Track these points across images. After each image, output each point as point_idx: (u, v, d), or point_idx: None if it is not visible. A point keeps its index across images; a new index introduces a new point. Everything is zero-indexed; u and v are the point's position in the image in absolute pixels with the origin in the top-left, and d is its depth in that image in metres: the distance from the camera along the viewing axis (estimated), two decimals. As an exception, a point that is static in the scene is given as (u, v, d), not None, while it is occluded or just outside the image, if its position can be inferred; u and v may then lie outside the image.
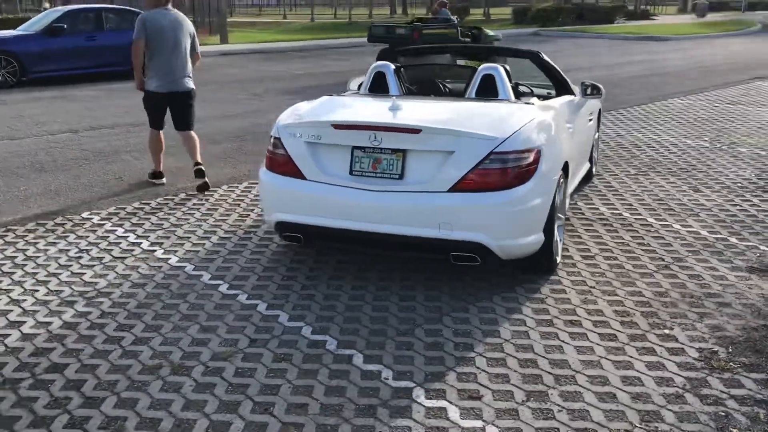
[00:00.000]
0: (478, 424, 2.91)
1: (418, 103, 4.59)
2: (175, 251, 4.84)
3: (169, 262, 4.65)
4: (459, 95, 5.07)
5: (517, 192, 3.85)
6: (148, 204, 5.92)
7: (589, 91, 5.52)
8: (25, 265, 4.58)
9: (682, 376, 3.27)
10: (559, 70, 5.49)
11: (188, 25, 6.58)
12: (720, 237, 5.11)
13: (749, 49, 22.10)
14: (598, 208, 5.77)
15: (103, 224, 5.40)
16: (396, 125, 3.95)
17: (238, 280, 4.35)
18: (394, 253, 4.32)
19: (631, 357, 3.44)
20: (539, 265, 4.30)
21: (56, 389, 3.15)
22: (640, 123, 9.57)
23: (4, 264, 4.59)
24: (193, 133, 6.61)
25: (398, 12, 47.54)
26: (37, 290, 4.20)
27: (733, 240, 5.05)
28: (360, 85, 5.27)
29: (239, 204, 5.93)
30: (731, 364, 3.37)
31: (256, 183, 6.55)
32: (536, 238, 4.06)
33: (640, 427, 2.88)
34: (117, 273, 4.46)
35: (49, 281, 4.33)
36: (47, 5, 28.30)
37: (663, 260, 4.66)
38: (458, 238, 3.85)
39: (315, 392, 3.13)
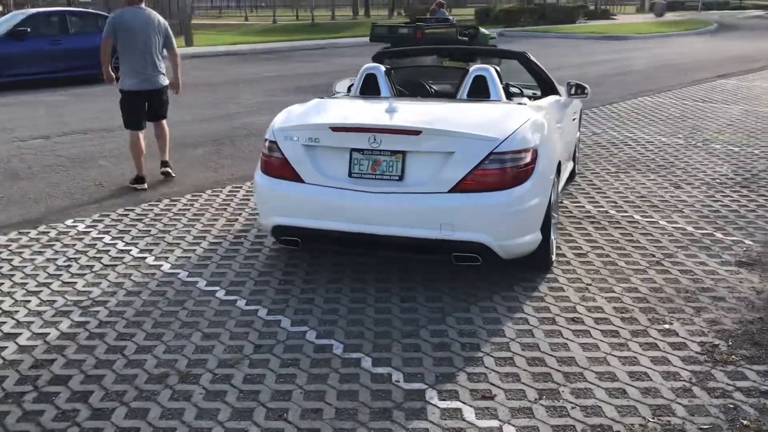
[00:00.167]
0: (495, 423, 2.93)
1: (415, 105, 4.60)
2: (167, 257, 4.77)
3: (162, 268, 4.58)
4: (449, 96, 5.09)
5: (516, 192, 3.88)
6: (132, 210, 5.83)
7: (574, 90, 5.59)
8: (12, 275, 4.47)
9: (687, 370, 3.32)
10: (545, 70, 5.55)
11: (161, 24, 6.62)
12: (706, 232, 5.21)
13: (709, 48, 22.60)
14: (584, 207, 5.84)
15: (89, 232, 5.29)
16: (396, 127, 3.95)
17: (234, 285, 4.30)
18: (394, 254, 4.32)
19: (636, 352, 3.48)
20: (537, 263, 4.34)
21: (62, 402, 3.08)
22: (614, 121, 9.72)
23: (-10, 274, 4.48)
24: (165, 123, 6.82)
25: (360, 13, 47.48)
26: (29, 301, 4.10)
27: (719, 235, 5.15)
28: (349, 87, 5.25)
29: (225, 208, 5.87)
30: (733, 357, 3.44)
31: (240, 187, 6.52)
32: (534, 237, 4.09)
33: (654, 422, 2.92)
34: (110, 281, 4.38)
35: (41, 291, 4.23)
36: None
37: (654, 256, 4.74)
38: (460, 238, 3.87)
39: (327, 397, 3.12)
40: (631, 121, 9.71)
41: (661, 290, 4.21)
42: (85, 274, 4.48)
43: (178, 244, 5.03)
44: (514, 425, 2.91)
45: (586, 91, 5.59)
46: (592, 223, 5.43)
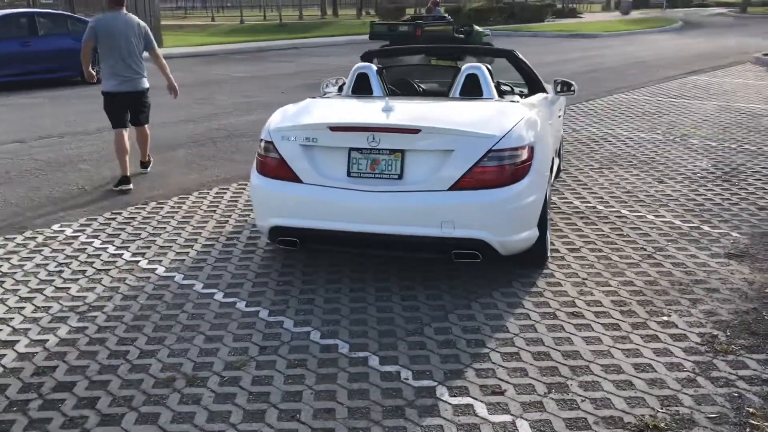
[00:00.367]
0: (507, 418, 2.95)
1: (411, 104, 4.61)
2: (160, 261, 4.71)
3: (156, 272, 4.53)
4: (440, 95, 5.11)
5: (515, 188, 3.91)
6: (119, 214, 5.75)
7: (560, 88, 5.65)
8: (3, 281, 4.39)
9: (690, 360, 3.38)
10: (532, 68, 5.60)
11: (141, 27, 6.77)
12: (693, 225, 5.31)
13: (676, 45, 22.98)
14: (572, 202, 5.91)
15: (77, 236, 5.21)
16: (395, 126, 3.95)
17: (232, 287, 4.27)
18: (394, 253, 4.32)
19: (638, 345, 3.54)
20: (534, 259, 4.38)
21: (68, 408, 3.03)
22: (592, 118, 9.84)
23: (-20, 281, 4.39)
24: (147, 128, 6.99)
25: (328, 13, 47.31)
26: (23, 307, 4.03)
27: (706, 228, 5.25)
28: (340, 87, 5.24)
29: (214, 210, 5.82)
30: (732, 346, 3.51)
31: (226, 188, 6.47)
32: (532, 233, 4.13)
33: (663, 412, 2.97)
34: (104, 286, 4.32)
35: (34, 297, 4.16)
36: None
37: (645, 250, 4.81)
38: (460, 235, 3.88)
39: (338, 396, 3.11)
40: (608, 118, 9.84)
41: (656, 283, 4.28)
42: (78, 279, 4.42)
43: (170, 246, 4.98)
44: (526, 419, 2.94)
45: (572, 89, 5.65)
46: (582, 218, 5.49)
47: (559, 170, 6.61)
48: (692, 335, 3.63)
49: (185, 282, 4.36)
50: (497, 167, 3.89)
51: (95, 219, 5.62)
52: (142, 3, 24.63)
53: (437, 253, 4.10)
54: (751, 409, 2.98)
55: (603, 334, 3.65)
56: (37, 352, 3.51)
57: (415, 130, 3.90)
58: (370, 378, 3.26)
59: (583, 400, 3.07)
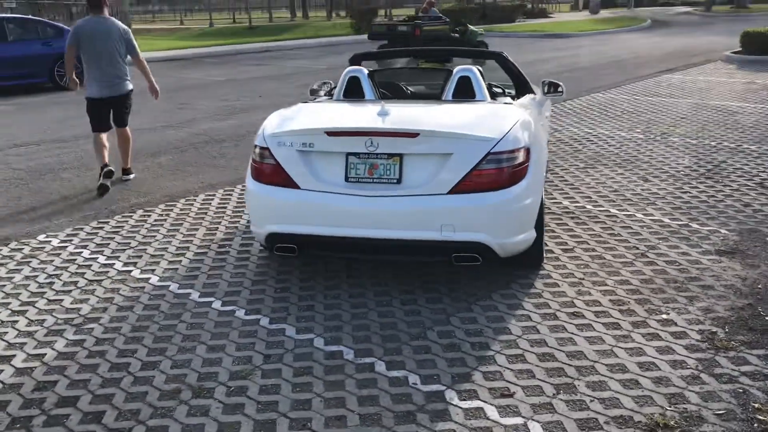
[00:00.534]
0: (519, 420, 2.96)
1: (407, 107, 4.60)
2: (153, 270, 4.65)
3: (150, 282, 4.46)
4: (431, 98, 5.11)
5: (514, 191, 3.92)
6: (106, 223, 5.66)
7: (548, 89, 5.69)
8: (-7, 295, 4.30)
9: (692, 358, 3.42)
10: (520, 69, 5.63)
11: (122, 32, 6.85)
12: (682, 223, 5.37)
13: (647, 44, 23.27)
14: (561, 202, 5.95)
15: (65, 246, 5.12)
16: (393, 130, 3.94)
17: (229, 295, 4.23)
18: (393, 258, 4.31)
19: (640, 343, 3.57)
20: (531, 260, 4.40)
21: (74, 424, 2.97)
22: (572, 118, 9.92)
23: (-31, 295, 4.29)
24: (128, 131, 7.07)
25: (298, 15, 47.10)
26: (16, 321, 3.95)
27: (695, 225, 5.32)
28: (330, 91, 5.21)
29: (203, 217, 5.76)
30: (732, 342, 3.56)
31: (213, 195, 6.41)
32: (530, 235, 4.15)
33: (671, 410, 3.00)
34: (98, 297, 4.25)
35: (27, 310, 4.08)
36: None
37: (638, 249, 4.86)
38: (461, 239, 3.88)
39: (348, 403, 3.09)
40: (588, 118, 9.93)
41: (652, 281, 4.32)
42: (71, 291, 4.34)
43: (162, 255, 4.91)
44: (538, 421, 2.95)
45: (560, 89, 5.69)
46: (572, 218, 5.53)
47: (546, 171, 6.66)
48: (692, 333, 3.67)
49: (181, 291, 4.31)
50: (496, 170, 3.90)
51: (81, 228, 5.52)
52: (113, 8, 24.38)
53: (438, 257, 4.09)
54: (756, 405, 3.02)
55: (605, 333, 3.68)
56: (35, 367, 3.44)
57: (413, 134, 3.89)
58: (379, 384, 3.25)
59: (591, 401, 3.09)
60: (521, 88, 5.59)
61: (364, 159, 3.95)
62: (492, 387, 3.20)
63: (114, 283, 4.46)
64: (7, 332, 3.81)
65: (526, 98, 5.22)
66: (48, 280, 4.51)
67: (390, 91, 5.35)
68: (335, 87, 5.18)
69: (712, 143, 8.10)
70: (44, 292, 4.32)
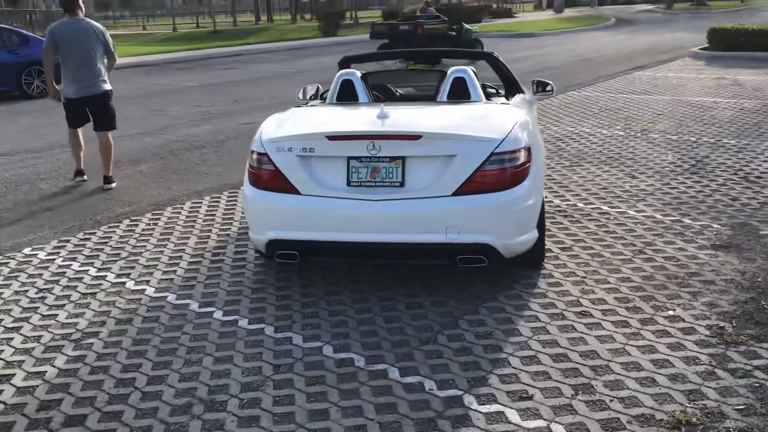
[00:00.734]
0: (542, 423, 2.93)
1: (406, 109, 4.55)
2: (147, 281, 4.54)
3: (146, 293, 4.35)
4: (425, 99, 5.08)
5: (517, 191, 3.90)
6: (93, 233, 5.52)
7: (538, 88, 5.68)
8: (-17, 311, 4.15)
9: (704, 353, 3.43)
10: (511, 70, 5.62)
11: (99, 32, 6.88)
12: (674, 219, 5.41)
13: (614, 42, 23.56)
14: (552, 201, 5.96)
15: (53, 259, 4.98)
16: (395, 133, 3.89)
17: (230, 305, 4.14)
18: (398, 262, 4.26)
19: (651, 340, 3.57)
20: (533, 260, 4.39)
21: (85, 444, 2.87)
22: (551, 117, 9.97)
23: (-42, 313, 4.14)
24: (110, 136, 7.00)
25: (263, 19, 46.74)
26: (11, 338, 3.81)
27: (687, 221, 5.36)
28: (323, 95, 5.14)
29: (192, 225, 5.64)
30: (741, 337, 3.57)
31: (200, 202, 6.29)
32: (533, 235, 4.13)
33: (692, 407, 3.00)
34: (94, 310, 4.13)
35: (21, 327, 3.94)
36: None
37: (635, 245, 4.88)
38: (466, 241, 3.85)
39: (366, 412, 3.04)
40: (567, 116, 9.99)
41: (653, 278, 4.33)
42: (65, 305, 4.21)
43: (155, 265, 4.80)
44: (560, 423, 2.92)
45: (549, 88, 5.69)
46: (566, 217, 5.54)
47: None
48: (700, 328, 3.68)
49: (179, 302, 4.21)
50: (500, 170, 3.87)
51: (68, 240, 5.38)
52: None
53: (443, 260, 4.06)
54: (774, 399, 3.04)
55: (614, 331, 3.68)
56: (37, 385, 3.32)
57: (416, 137, 3.84)
58: (394, 391, 3.19)
59: (611, 400, 3.07)
60: (511, 88, 5.57)
61: (366, 163, 3.90)
62: (510, 390, 3.17)
63: (108, 295, 4.34)
64: (3, 350, 3.68)
65: (518, 98, 5.21)
66: (39, 295, 4.37)
67: (383, 93, 5.30)
68: (327, 90, 5.12)
69: (692, 139, 8.20)
70: (37, 307, 4.19)
